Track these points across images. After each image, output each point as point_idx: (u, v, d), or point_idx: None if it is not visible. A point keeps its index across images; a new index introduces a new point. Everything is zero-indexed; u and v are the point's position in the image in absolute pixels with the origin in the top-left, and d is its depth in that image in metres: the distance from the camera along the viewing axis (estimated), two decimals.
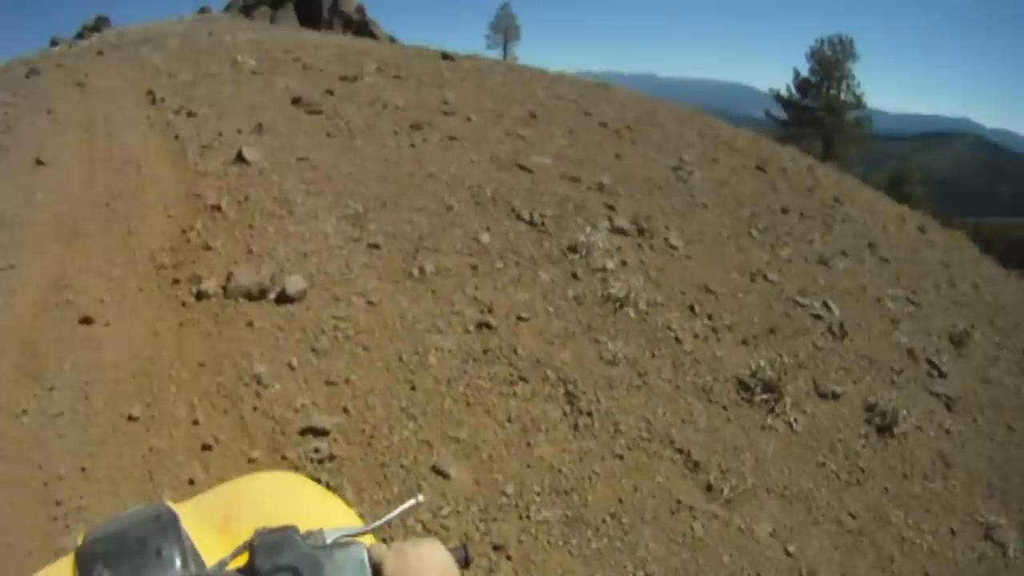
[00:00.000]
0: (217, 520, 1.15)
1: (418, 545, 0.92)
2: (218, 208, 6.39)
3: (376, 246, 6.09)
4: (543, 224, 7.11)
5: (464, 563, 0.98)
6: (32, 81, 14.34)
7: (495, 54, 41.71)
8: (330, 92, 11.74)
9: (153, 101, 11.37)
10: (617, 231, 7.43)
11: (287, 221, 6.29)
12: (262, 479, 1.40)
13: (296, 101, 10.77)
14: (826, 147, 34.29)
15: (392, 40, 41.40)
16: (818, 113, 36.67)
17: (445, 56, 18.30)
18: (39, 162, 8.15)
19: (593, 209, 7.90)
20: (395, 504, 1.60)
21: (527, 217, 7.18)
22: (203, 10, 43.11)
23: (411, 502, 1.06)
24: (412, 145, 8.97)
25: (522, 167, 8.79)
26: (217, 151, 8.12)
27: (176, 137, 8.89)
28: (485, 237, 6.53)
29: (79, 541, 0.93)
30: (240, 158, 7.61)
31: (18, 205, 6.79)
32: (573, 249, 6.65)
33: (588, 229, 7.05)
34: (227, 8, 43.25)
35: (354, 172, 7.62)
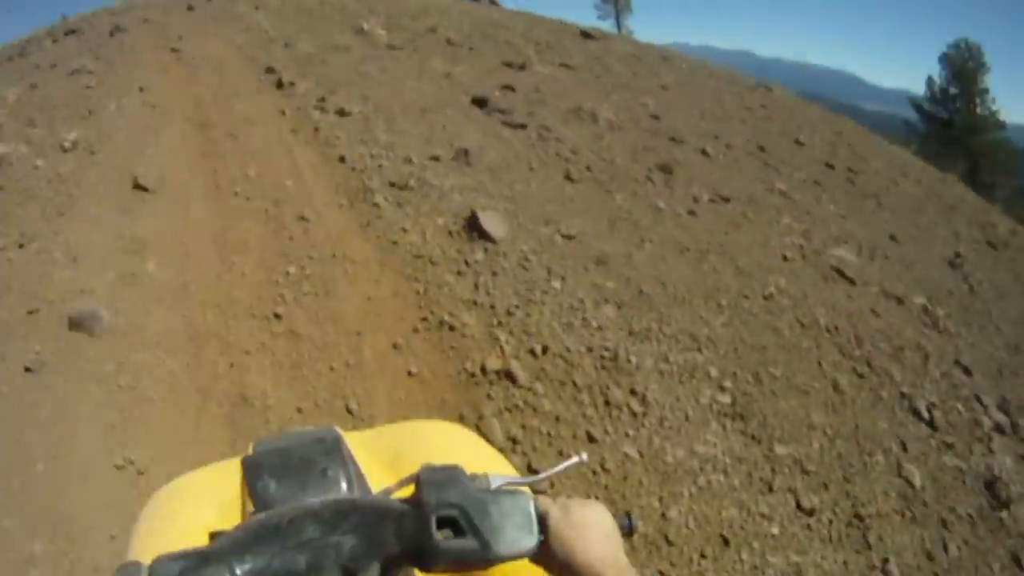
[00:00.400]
0: (385, 455, 1.18)
1: (584, 505, 0.86)
2: (509, 376, 3.53)
3: (829, 534, 3.32)
4: (939, 425, 4.49)
5: (628, 531, 0.92)
6: (116, 41, 11.69)
7: (607, 26, 37.70)
8: (510, 88, 8.92)
9: (279, 84, 8.58)
10: (997, 430, 4.78)
11: (649, 424, 3.48)
12: (431, 426, 1.44)
13: (480, 103, 7.93)
14: (972, 172, 30.28)
15: (493, 2, 37.18)
16: (959, 131, 32.59)
17: (586, 35, 15.37)
18: (138, 186, 5.48)
19: (956, 377, 5.24)
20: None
21: (923, 411, 4.54)
22: None
23: (574, 459, 0.97)
24: (691, 212, 6.01)
25: (839, 272, 6.00)
26: (421, 198, 5.31)
27: (341, 159, 6.09)
28: (913, 474, 3.88)
29: (250, 451, 0.98)
30: (475, 227, 4.78)
31: (115, 287, 4.26)
32: (990, 486, 4.18)
33: (981, 437, 4.69)
34: None
35: (659, 274, 4.77)
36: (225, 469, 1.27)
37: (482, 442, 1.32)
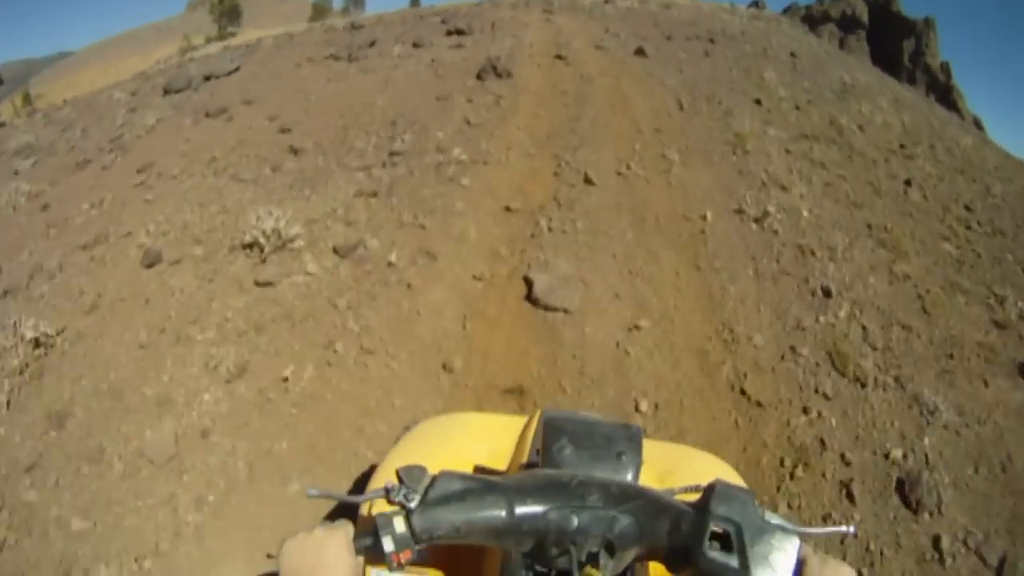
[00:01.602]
0: (659, 467, 1.27)
1: (839, 566, 0.85)
2: None
3: None
4: None
5: None
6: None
7: None
8: None
9: None
10: None
11: None
12: (706, 458, 1.44)
13: None
14: None
15: (978, 125, 28.68)
16: None
17: None
18: None
19: None
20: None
21: None
22: (756, 4, 32.55)
23: (843, 528, 0.93)
24: None
25: None
26: None
27: None
28: None
29: (536, 416, 1.22)
30: None
31: None
32: None
33: None
34: (786, 10, 31.93)
35: None
36: (499, 421, 1.46)
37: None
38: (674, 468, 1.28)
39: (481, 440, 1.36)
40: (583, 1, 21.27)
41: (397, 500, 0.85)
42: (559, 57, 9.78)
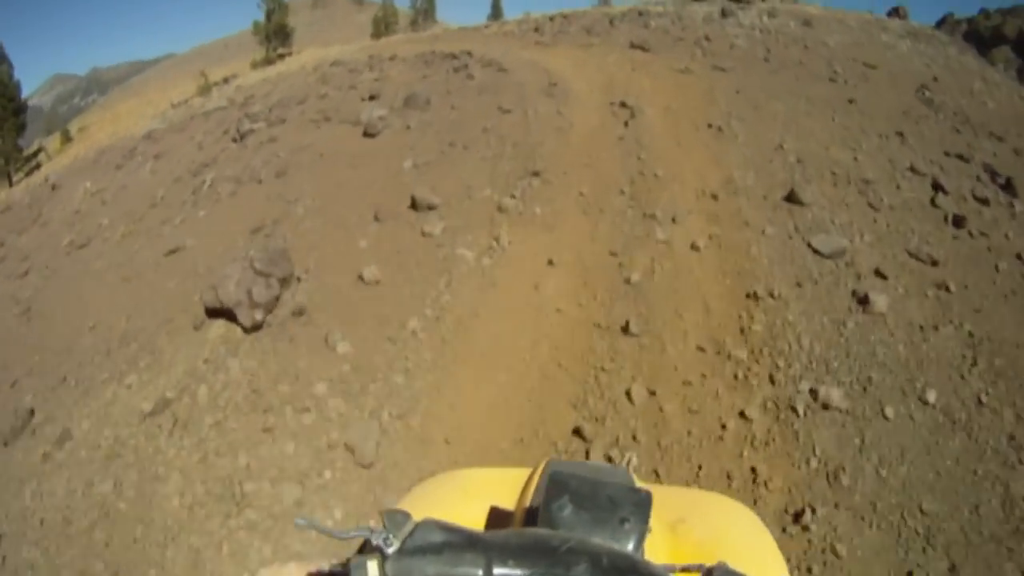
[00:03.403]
0: (668, 516, 1.10)
1: None
2: None
3: None
4: None
5: None
6: None
7: None
8: None
9: None
10: None
11: None
12: (721, 503, 1.27)
13: None
14: None
15: None
16: None
17: None
18: None
19: None
20: None
21: None
22: (897, 13, 24.40)
23: None
24: None
25: None
26: None
27: None
28: None
29: (540, 468, 1.04)
30: None
31: None
32: None
33: None
34: (940, 24, 23.43)
35: None
36: (509, 474, 1.25)
37: (766, 533, 1.14)
38: (687, 515, 1.10)
39: (490, 493, 1.17)
40: (693, 17, 13.99)
41: (376, 543, 0.75)
42: None
